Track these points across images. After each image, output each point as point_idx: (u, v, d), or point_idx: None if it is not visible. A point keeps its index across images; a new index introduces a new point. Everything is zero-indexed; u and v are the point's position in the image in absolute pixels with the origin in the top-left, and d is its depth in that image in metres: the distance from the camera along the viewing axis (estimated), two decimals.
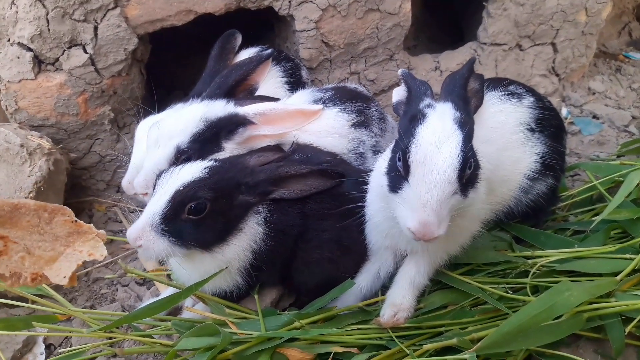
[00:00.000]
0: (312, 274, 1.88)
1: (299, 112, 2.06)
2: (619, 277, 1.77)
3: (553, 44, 2.97)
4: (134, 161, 2.06)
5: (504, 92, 1.98)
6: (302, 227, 1.82)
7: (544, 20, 2.85)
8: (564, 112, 3.04)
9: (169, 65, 3.18)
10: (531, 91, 2.08)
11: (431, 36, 3.69)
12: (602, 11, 2.89)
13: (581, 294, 1.61)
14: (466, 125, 1.57)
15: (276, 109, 2.02)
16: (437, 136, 1.51)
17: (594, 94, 3.20)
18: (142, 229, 1.62)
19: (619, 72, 3.40)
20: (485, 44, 2.92)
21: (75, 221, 1.55)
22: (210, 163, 1.73)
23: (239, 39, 2.35)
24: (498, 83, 2.03)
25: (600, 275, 1.83)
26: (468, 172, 1.52)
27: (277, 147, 2.00)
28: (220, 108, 1.96)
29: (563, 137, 2.13)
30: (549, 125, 2.02)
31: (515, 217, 2.07)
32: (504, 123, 1.93)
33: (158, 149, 1.89)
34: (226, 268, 1.72)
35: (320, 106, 2.11)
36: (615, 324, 1.71)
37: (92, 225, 1.56)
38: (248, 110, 1.98)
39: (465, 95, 1.77)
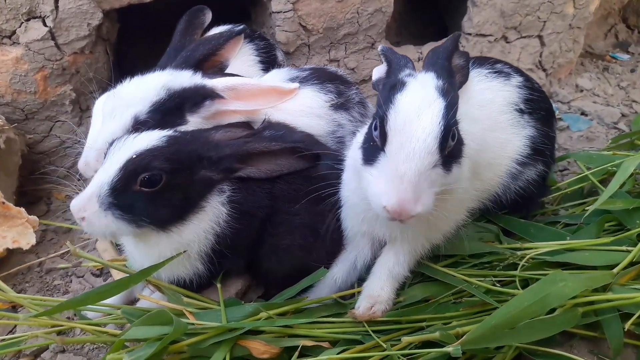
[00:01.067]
0: (280, 262, 1.72)
1: (273, 90, 1.92)
2: (615, 270, 1.64)
3: (540, 37, 2.87)
4: (90, 139, 1.88)
5: (490, 70, 1.86)
6: (271, 209, 1.66)
7: (530, 11, 2.75)
8: None
9: (142, 50, 3.01)
10: (519, 71, 1.96)
11: (415, 33, 3.59)
12: (590, 4, 2.81)
13: (576, 285, 1.48)
14: (449, 94, 1.44)
15: (248, 85, 1.88)
16: (418, 103, 1.38)
17: (581, 91, 3.11)
18: (88, 200, 1.45)
19: (606, 71, 3.32)
20: (470, 34, 2.81)
21: (3, 203, 1.38)
22: (170, 132, 1.56)
23: (208, 15, 2.17)
24: (484, 61, 1.91)
25: (595, 268, 1.70)
26: (451, 144, 1.39)
27: (246, 125, 1.84)
28: (186, 78, 1.81)
29: (553, 122, 2.01)
30: (538, 108, 1.90)
31: (504, 207, 1.93)
32: (490, 101, 1.80)
33: (113, 120, 1.72)
34: (184, 252, 1.56)
35: (296, 84, 1.98)
36: (613, 319, 1.58)
37: (22, 209, 1.39)
38: (217, 83, 1.83)
39: (449, 67, 1.64)
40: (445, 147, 1.36)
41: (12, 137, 2.14)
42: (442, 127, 1.35)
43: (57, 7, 2.17)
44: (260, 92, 1.89)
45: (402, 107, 1.38)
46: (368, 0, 2.52)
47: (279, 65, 2.43)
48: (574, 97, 3.05)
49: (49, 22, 2.17)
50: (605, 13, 3.69)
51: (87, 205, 1.45)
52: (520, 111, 1.84)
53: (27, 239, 1.36)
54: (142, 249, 1.61)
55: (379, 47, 1.77)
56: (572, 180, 2.20)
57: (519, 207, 1.95)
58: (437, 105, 1.38)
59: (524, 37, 2.86)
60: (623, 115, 2.91)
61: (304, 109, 1.96)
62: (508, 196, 1.88)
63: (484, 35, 2.80)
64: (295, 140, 1.73)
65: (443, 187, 1.40)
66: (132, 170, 1.45)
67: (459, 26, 2.91)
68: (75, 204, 1.46)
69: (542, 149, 1.87)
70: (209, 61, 1.96)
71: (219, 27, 2.25)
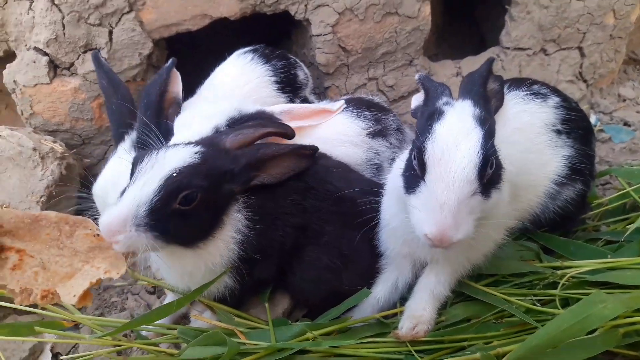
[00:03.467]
0: (307, 280, 1.77)
1: (322, 110, 2.06)
2: None
3: (580, 48, 2.85)
4: None
5: (527, 92, 1.89)
6: (302, 220, 1.72)
7: (569, 24, 2.73)
8: (592, 119, 2.90)
9: (189, 73, 3.16)
10: (556, 91, 1.97)
11: (453, 45, 3.61)
12: (631, 13, 2.77)
13: (617, 306, 1.48)
14: (486, 122, 1.48)
15: (301, 107, 2.05)
16: (456, 133, 1.43)
17: (624, 100, 3.06)
18: (123, 222, 1.37)
19: None
20: (508, 48, 2.81)
21: (98, 235, 1.46)
22: (199, 148, 1.54)
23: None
24: (521, 83, 1.93)
25: (636, 287, 1.70)
26: (489, 172, 1.43)
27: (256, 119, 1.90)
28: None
29: (592, 141, 2.00)
30: (576, 127, 1.90)
31: (543, 226, 1.95)
32: (528, 124, 1.83)
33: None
34: (212, 268, 1.60)
35: (342, 101, 2.10)
36: None
37: None
38: (274, 108, 1.98)
39: (485, 94, 1.68)
40: (484, 175, 1.40)
41: (72, 163, 2.30)
42: (481, 156, 1.39)
43: (111, 40, 2.32)
44: (312, 112, 2.03)
45: (440, 137, 1.43)
46: (406, 19, 2.56)
47: (300, 84, 2.48)
48: (616, 107, 3.01)
49: (104, 53, 2.32)
50: None
51: (122, 227, 1.37)
52: (558, 132, 1.86)
53: (117, 269, 1.42)
54: (167, 262, 1.63)
55: (416, 76, 1.80)
56: (614, 197, 2.19)
57: (558, 225, 1.96)
58: (475, 135, 1.42)
59: (564, 49, 2.84)
60: None
61: (341, 137, 2.03)
62: (547, 216, 1.90)
63: (522, 49, 2.81)
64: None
65: (483, 213, 1.45)
66: (174, 190, 1.41)
67: (496, 39, 2.92)
68: (109, 227, 1.38)
69: (581, 169, 1.87)
70: (165, 99, 2.03)
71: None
